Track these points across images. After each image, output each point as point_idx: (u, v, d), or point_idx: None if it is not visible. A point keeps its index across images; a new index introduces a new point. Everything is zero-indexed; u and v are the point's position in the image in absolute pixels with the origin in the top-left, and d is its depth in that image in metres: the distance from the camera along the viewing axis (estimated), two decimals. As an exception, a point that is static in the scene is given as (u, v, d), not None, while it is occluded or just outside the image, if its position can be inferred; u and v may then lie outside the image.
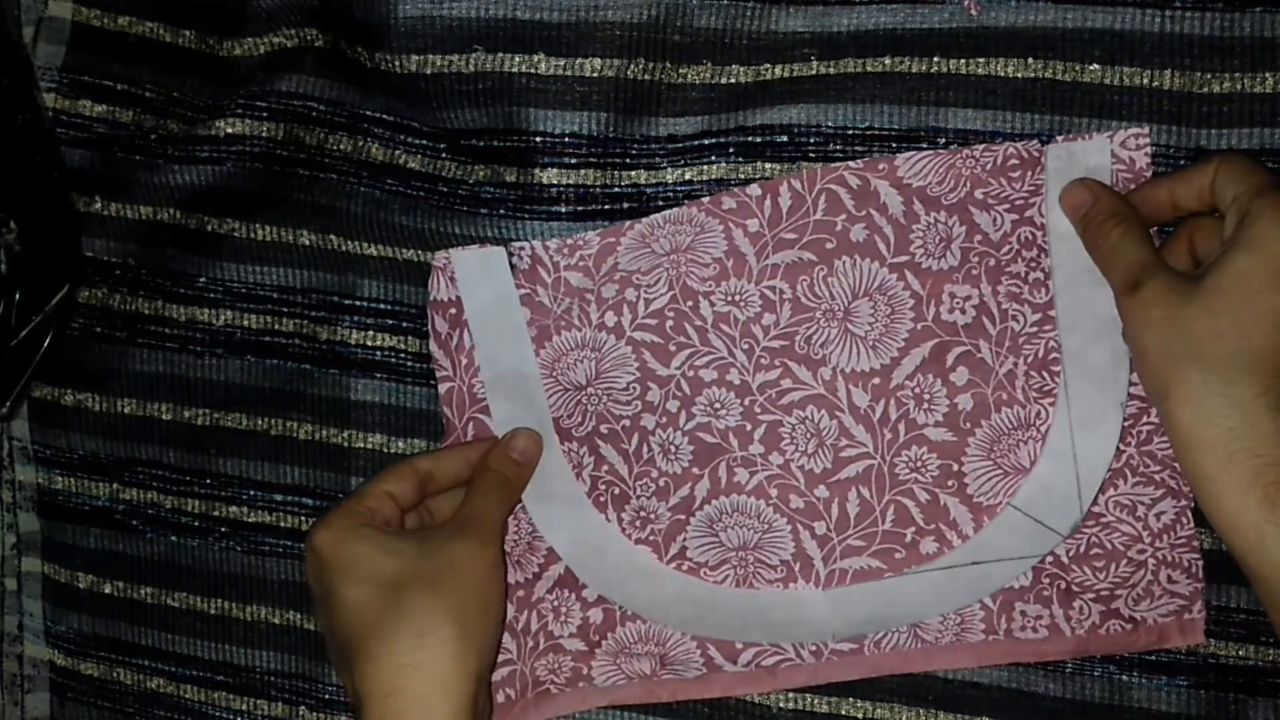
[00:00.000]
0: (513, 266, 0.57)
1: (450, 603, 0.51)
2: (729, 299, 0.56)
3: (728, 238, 0.55)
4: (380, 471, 0.56)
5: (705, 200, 0.55)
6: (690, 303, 0.56)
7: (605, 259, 0.56)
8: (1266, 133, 0.52)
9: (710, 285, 0.56)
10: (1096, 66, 0.52)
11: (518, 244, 0.57)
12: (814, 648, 0.56)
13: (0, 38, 0.60)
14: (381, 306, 0.60)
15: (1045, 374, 0.54)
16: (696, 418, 0.56)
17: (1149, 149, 0.52)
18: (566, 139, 0.56)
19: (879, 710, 0.57)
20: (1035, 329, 0.54)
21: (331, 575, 0.52)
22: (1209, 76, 0.52)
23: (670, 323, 0.56)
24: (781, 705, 0.58)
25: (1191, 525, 0.54)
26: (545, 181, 0.56)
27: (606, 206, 0.56)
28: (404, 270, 0.59)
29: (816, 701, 0.57)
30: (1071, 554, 0.54)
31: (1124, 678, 0.55)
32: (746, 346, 0.56)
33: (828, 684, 0.57)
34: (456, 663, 0.50)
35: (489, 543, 0.53)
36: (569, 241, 0.56)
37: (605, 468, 0.57)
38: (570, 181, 0.56)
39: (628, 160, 0.56)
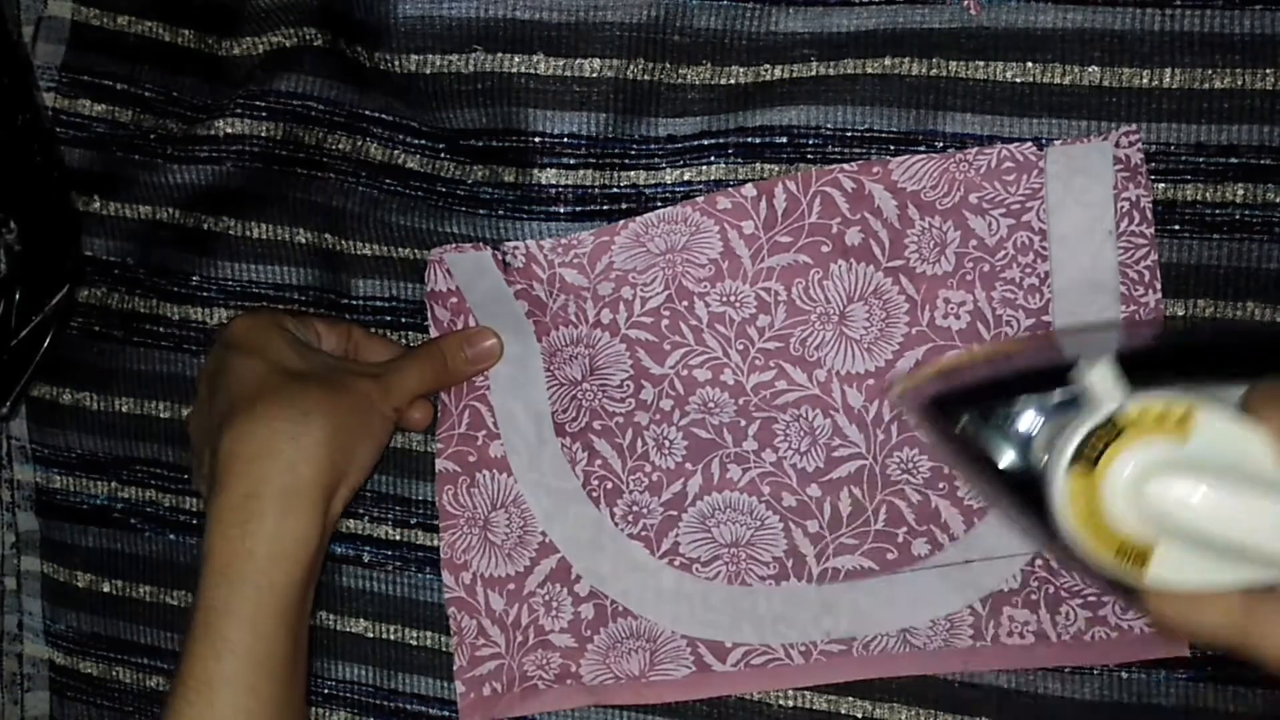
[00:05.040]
0: (507, 265, 0.57)
1: (339, 415, 0.52)
2: (724, 300, 0.56)
3: (723, 239, 0.55)
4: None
5: (700, 200, 0.55)
6: (685, 303, 0.56)
7: (600, 258, 0.56)
8: (1267, 130, 0.52)
9: (706, 286, 0.56)
10: (1096, 68, 0.52)
11: (512, 243, 0.57)
12: (803, 648, 0.57)
13: (0, 37, 0.60)
14: (378, 303, 0.60)
15: (1038, 379, 0.54)
16: (690, 415, 0.57)
17: (1141, 146, 0.52)
18: (565, 139, 0.56)
19: (879, 710, 0.57)
20: (1029, 334, 0.54)
21: (236, 351, 0.53)
22: (1210, 73, 0.52)
23: (665, 322, 0.56)
24: (780, 703, 0.58)
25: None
26: (544, 182, 0.57)
27: (605, 207, 0.57)
28: (401, 268, 0.60)
29: (815, 700, 0.57)
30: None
31: (1122, 674, 0.55)
32: (741, 347, 0.56)
33: (827, 683, 0.57)
34: (326, 459, 0.51)
35: (390, 400, 0.54)
36: (563, 241, 0.56)
37: (599, 462, 0.58)
38: (569, 182, 0.57)
39: (626, 161, 0.56)
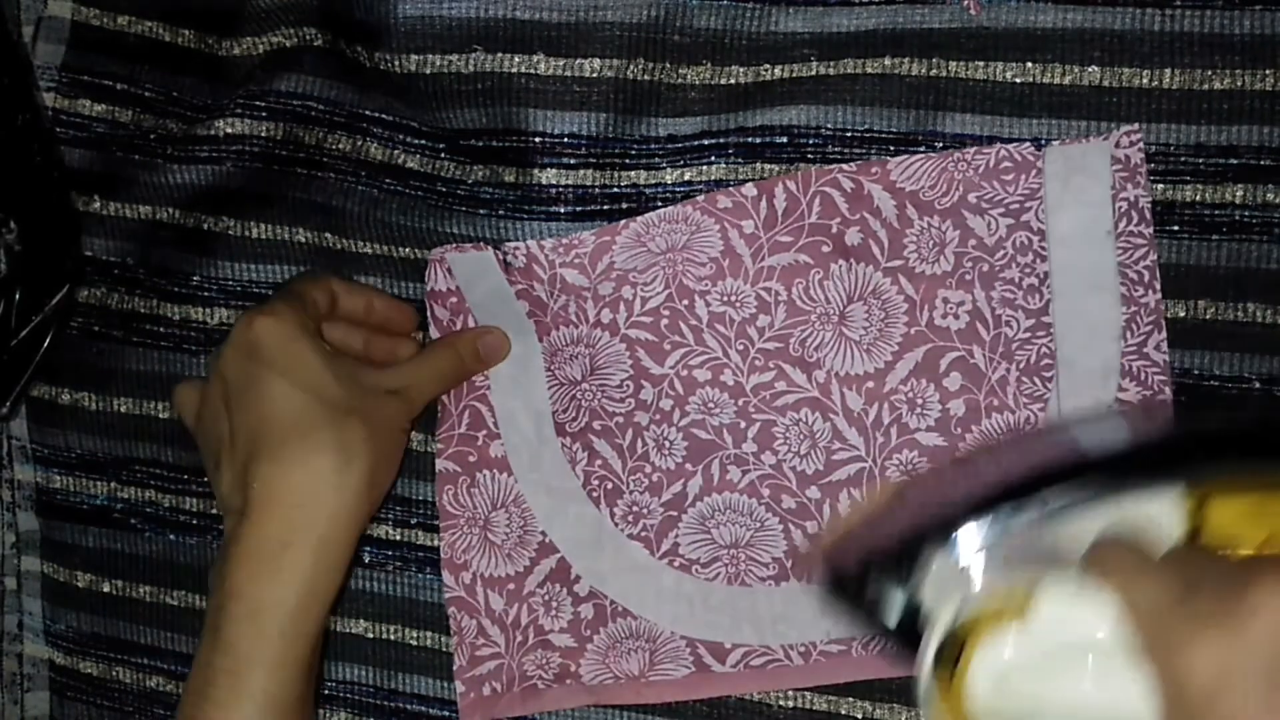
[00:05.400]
0: (508, 265, 0.57)
1: (377, 450, 0.51)
2: (725, 299, 0.56)
3: (724, 238, 0.55)
4: (297, 277, 0.57)
5: (700, 199, 0.55)
6: (686, 302, 0.56)
7: (600, 258, 0.56)
8: (1267, 130, 0.52)
9: (706, 285, 0.56)
10: (1095, 68, 0.52)
11: (512, 244, 0.57)
12: (803, 649, 0.57)
13: (0, 37, 0.60)
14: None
15: (1037, 379, 0.54)
16: (690, 415, 0.57)
17: (1142, 146, 0.52)
18: (565, 139, 0.56)
19: (879, 710, 0.57)
20: (1028, 335, 0.54)
21: (267, 368, 0.51)
22: (1209, 74, 0.52)
23: (665, 322, 0.56)
24: (780, 704, 0.58)
25: (1179, 535, 0.54)
26: (544, 182, 0.57)
27: (605, 207, 0.57)
28: (401, 267, 0.60)
29: (815, 700, 0.57)
30: (1060, 561, 0.54)
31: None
32: (741, 348, 0.56)
33: (827, 684, 0.57)
34: (364, 502, 0.51)
35: (412, 414, 0.55)
36: (564, 241, 0.56)
37: (599, 462, 0.58)
38: (569, 182, 0.57)
39: (627, 161, 0.56)
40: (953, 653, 0.37)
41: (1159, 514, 0.38)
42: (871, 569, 0.40)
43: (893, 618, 0.38)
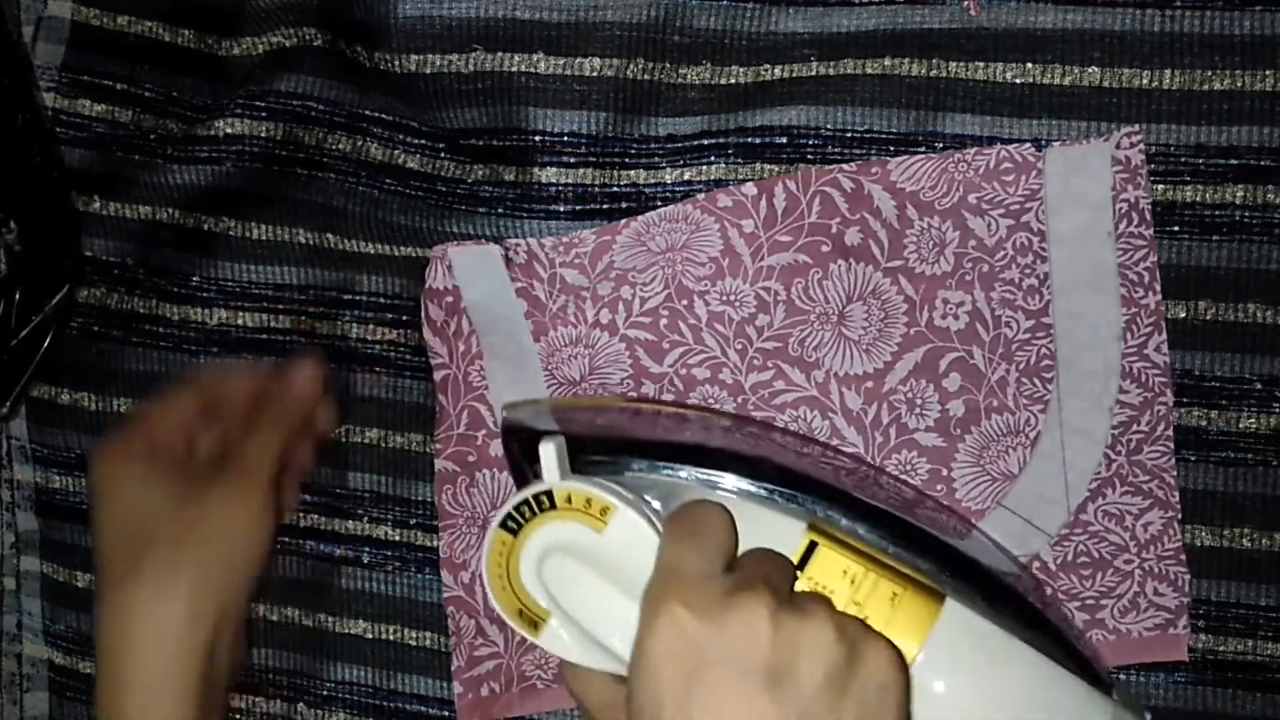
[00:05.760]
0: (509, 261, 0.57)
1: (193, 560, 0.51)
2: (724, 299, 0.56)
3: (723, 237, 0.55)
4: (171, 386, 0.57)
5: (700, 198, 0.55)
6: (685, 301, 0.56)
7: (601, 257, 0.56)
8: (1267, 131, 0.52)
9: (706, 284, 0.56)
10: (1095, 69, 0.52)
11: (513, 240, 0.57)
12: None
13: (0, 37, 0.60)
14: (380, 300, 0.60)
15: (1037, 380, 0.54)
16: (690, 414, 0.57)
17: (1142, 147, 0.52)
18: (565, 138, 0.56)
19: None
20: (1028, 335, 0.54)
21: (97, 501, 0.53)
22: (1209, 74, 0.52)
23: (664, 321, 0.56)
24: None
25: (1179, 537, 0.54)
26: (544, 180, 0.57)
27: (605, 206, 0.57)
28: (402, 266, 0.60)
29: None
30: (1059, 562, 0.54)
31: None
32: (740, 347, 0.56)
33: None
34: (187, 624, 0.50)
35: (253, 491, 0.53)
36: (564, 239, 0.56)
37: None
38: (569, 181, 0.57)
39: (626, 160, 0.56)
40: (518, 520, 0.44)
41: (784, 534, 0.44)
42: (524, 433, 0.48)
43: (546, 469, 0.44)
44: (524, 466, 0.46)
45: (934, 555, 0.44)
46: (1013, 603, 0.45)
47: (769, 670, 0.37)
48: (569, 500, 0.43)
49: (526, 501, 0.44)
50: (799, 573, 0.43)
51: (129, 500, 0.52)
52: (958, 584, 0.44)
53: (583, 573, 0.43)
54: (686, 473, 0.45)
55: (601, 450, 0.46)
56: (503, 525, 0.44)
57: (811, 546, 0.43)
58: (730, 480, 0.45)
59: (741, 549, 0.43)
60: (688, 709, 0.37)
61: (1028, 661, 0.43)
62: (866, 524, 0.44)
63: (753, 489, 0.45)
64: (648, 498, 0.45)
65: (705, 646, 0.37)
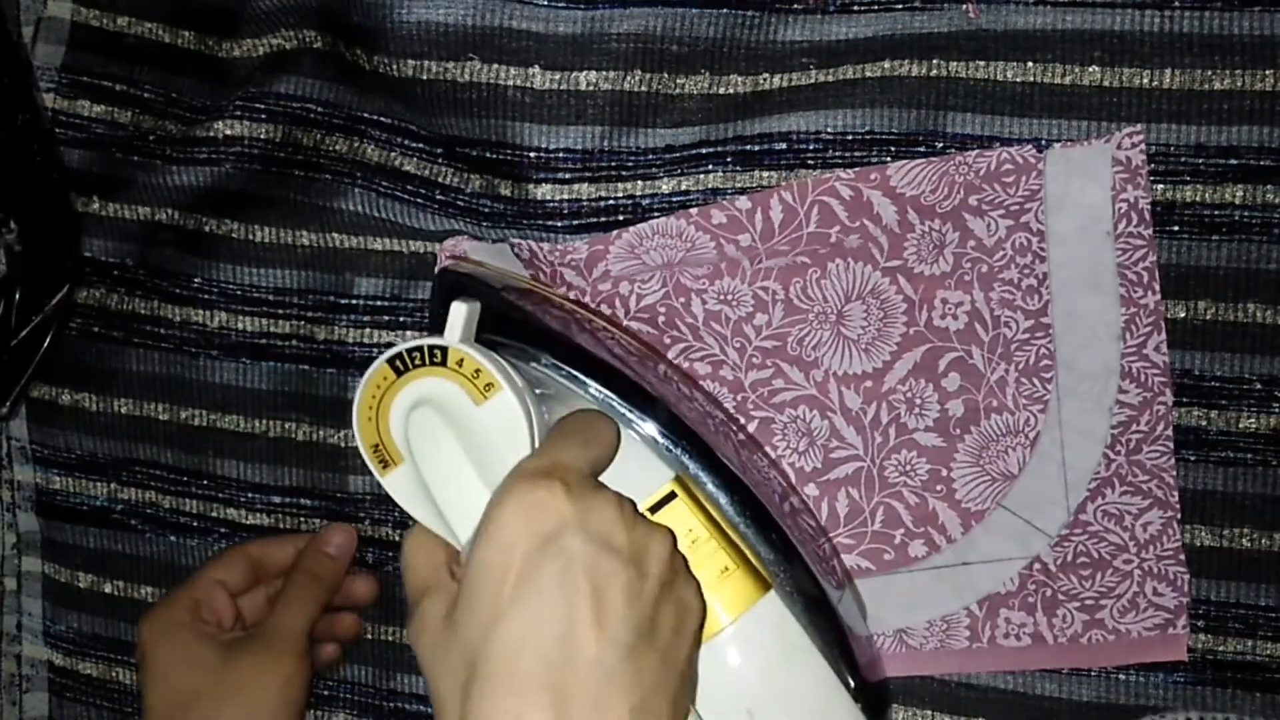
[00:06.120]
0: (515, 256, 0.57)
1: (230, 717, 0.53)
2: (721, 298, 0.56)
3: (720, 253, 0.55)
4: (215, 556, 0.58)
5: (694, 212, 0.55)
6: (682, 299, 0.56)
7: (595, 265, 0.56)
8: (1267, 131, 0.52)
9: (703, 284, 0.56)
10: (1096, 69, 0.52)
11: (515, 239, 0.57)
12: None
13: (0, 37, 0.60)
14: (379, 304, 0.60)
15: (1036, 380, 0.54)
16: (690, 411, 0.57)
17: (1143, 147, 0.52)
18: (560, 154, 0.56)
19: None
20: (1027, 335, 0.54)
21: (143, 671, 0.55)
22: (1209, 74, 0.52)
23: (662, 318, 0.56)
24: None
25: (1178, 538, 0.54)
26: (539, 197, 0.56)
27: (601, 219, 0.56)
28: (402, 265, 0.60)
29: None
30: (1058, 562, 0.54)
31: (1120, 676, 0.55)
32: (739, 345, 0.56)
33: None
34: None
35: (285, 652, 0.55)
36: (559, 247, 0.56)
37: None
38: (565, 197, 0.56)
39: (623, 173, 0.56)
40: (406, 362, 0.45)
41: (648, 475, 0.46)
42: (453, 290, 0.49)
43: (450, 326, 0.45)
44: (441, 319, 0.46)
45: (778, 550, 0.46)
46: (829, 622, 0.47)
47: (626, 552, 0.40)
48: (460, 364, 0.44)
49: (421, 349, 0.44)
50: (649, 514, 0.45)
51: (173, 665, 0.54)
52: (787, 583, 0.46)
53: (446, 437, 0.43)
54: (588, 387, 0.47)
55: (519, 334, 0.47)
56: (390, 362, 0.45)
57: (670, 496, 0.45)
58: (621, 407, 0.46)
59: (611, 472, 0.45)
60: (538, 574, 0.38)
61: (820, 675, 0.46)
62: (729, 496, 0.46)
63: (637, 421, 0.46)
64: (538, 392, 0.47)
65: (567, 518, 0.39)
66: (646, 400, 0.46)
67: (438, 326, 0.46)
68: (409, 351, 0.44)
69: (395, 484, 0.45)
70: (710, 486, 0.46)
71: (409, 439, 0.44)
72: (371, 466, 0.45)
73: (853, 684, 0.46)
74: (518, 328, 0.48)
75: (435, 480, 0.44)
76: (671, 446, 0.46)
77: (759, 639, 0.45)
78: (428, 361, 0.44)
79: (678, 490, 0.45)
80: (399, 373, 0.45)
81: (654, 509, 0.45)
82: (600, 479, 0.44)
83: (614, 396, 0.46)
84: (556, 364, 0.47)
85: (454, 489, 0.43)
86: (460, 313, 0.45)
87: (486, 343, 0.46)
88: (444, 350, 0.44)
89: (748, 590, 0.45)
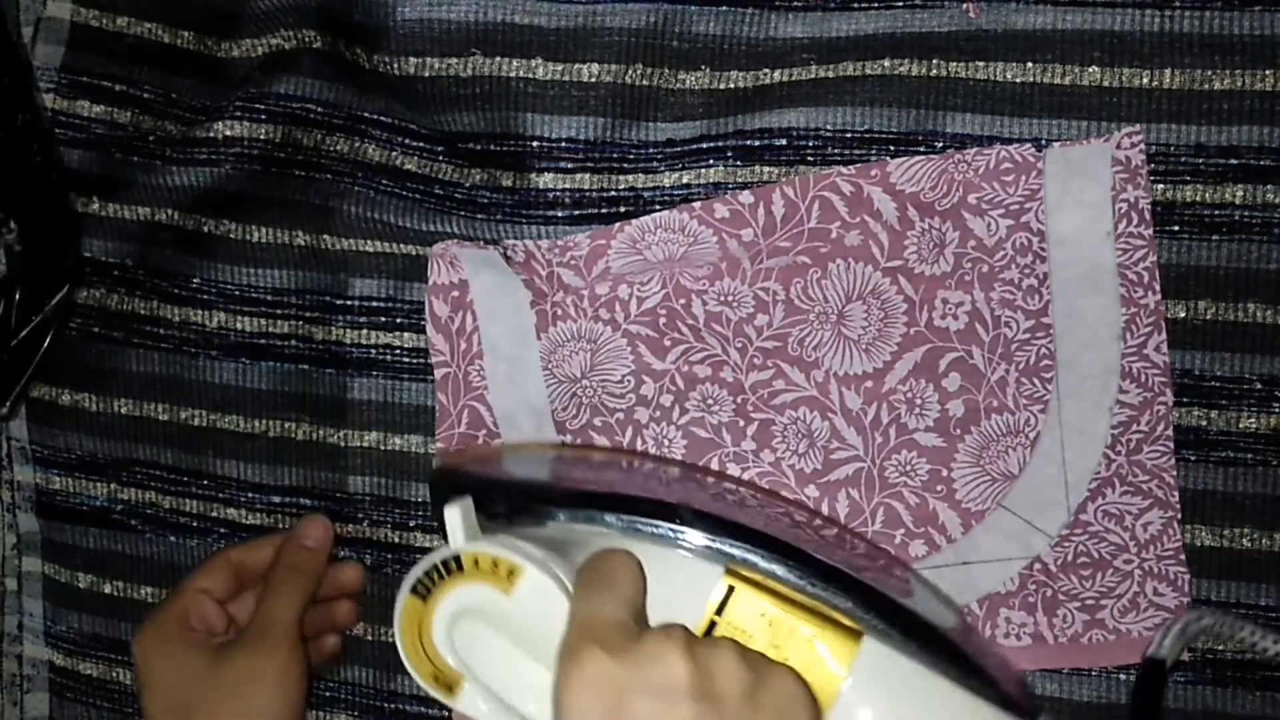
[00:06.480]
0: (508, 259, 0.57)
1: (228, 715, 0.53)
2: (721, 299, 0.56)
3: (722, 247, 0.55)
4: (197, 566, 0.58)
5: (697, 206, 0.55)
6: (683, 301, 0.56)
7: (596, 261, 0.56)
8: (1267, 130, 0.52)
9: (704, 285, 0.56)
10: (1096, 69, 0.52)
11: (511, 241, 0.57)
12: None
13: (0, 37, 0.60)
14: (375, 304, 0.60)
15: (1037, 380, 0.54)
16: (690, 413, 0.57)
17: (1143, 147, 0.52)
18: (563, 144, 0.56)
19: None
20: (1028, 335, 0.54)
21: (139, 686, 0.55)
22: (1209, 74, 0.52)
23: (663, 319, 0.56)
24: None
25: (1179, 537, 0.54)
26: (541, 186, 0.56)
27: (603, 210, 0.56)
28: (399, 266, 0.60)
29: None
30: (1059, 562, 0.54)
31: (1120, 675, 0.55)
32: (740, 345, 0.56)
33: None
34: None
35: (278, 647, 0.54)
36: (559, 243, 0.56)
37: None
38: (566, 186, 0.56)
39: (625, 165, 0.56)
40: (424, 587, 0.44)
41: (702, 579, 0.44)
42: (448, 490, 0.48)
43: (451, 533, 0.44)
44: (443, 524, 0.46)
45: (853, 594, 0.44)
46: (930, 637, 0.45)
47: (690, 691, 0.38)
48: (476, 563, 0.43)
49: (435, 567, 0.44)
50: (717, 617, 0.44)
51: (168, 677, 0.54)
52: (875, 621, 0.44)
53: (492, 637, 0.43)
54: (609, 519, 0.45)
55: (519, 508, 0.47)
56: (413, 590, 0.44)
57: (729, 591, 0.44)
58: (645, 528, 0.45)
59: (662, 593, 0.44)
60: None
61: (946, 691, 0.44)
62: (783, 565, 0.44)
63: (666, 534, 0.45)
64: (561, 555, 0.45)
65: (624, 682, 0.38)
66: (666, 510, 0.45)
67: (441, 530, 0.45)
68: (425, 574, 0.44)
69: (467, 704, 0.44)
70: (762, 564, 0.44)
71: (461, 657, 0.44)
72: (438, 696, 0.45)
73: (987, 689, 0.45)
74: (516, 502, 0.47)
75: (500, 685, 0.43)
76: (709, 543, 0.44)
77: (875, 689, 0.43)
78: (446, 574, 0.44)
79: (733, 582, 0.44)
80: (424, 597, 0.44)
81: (720, 610, 0.43)
82: (647, 610, 0.43)
83: (636, 519, 0.45)
84: (569, 513, 0.46)
85: (520, 688, 0.43)
86: (456, 516, 0.44)
87: (498, 522, 0.46)
88: (457, 558, 0.44)
89: (843, 647, 0.43)
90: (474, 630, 0.43)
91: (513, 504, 0.47)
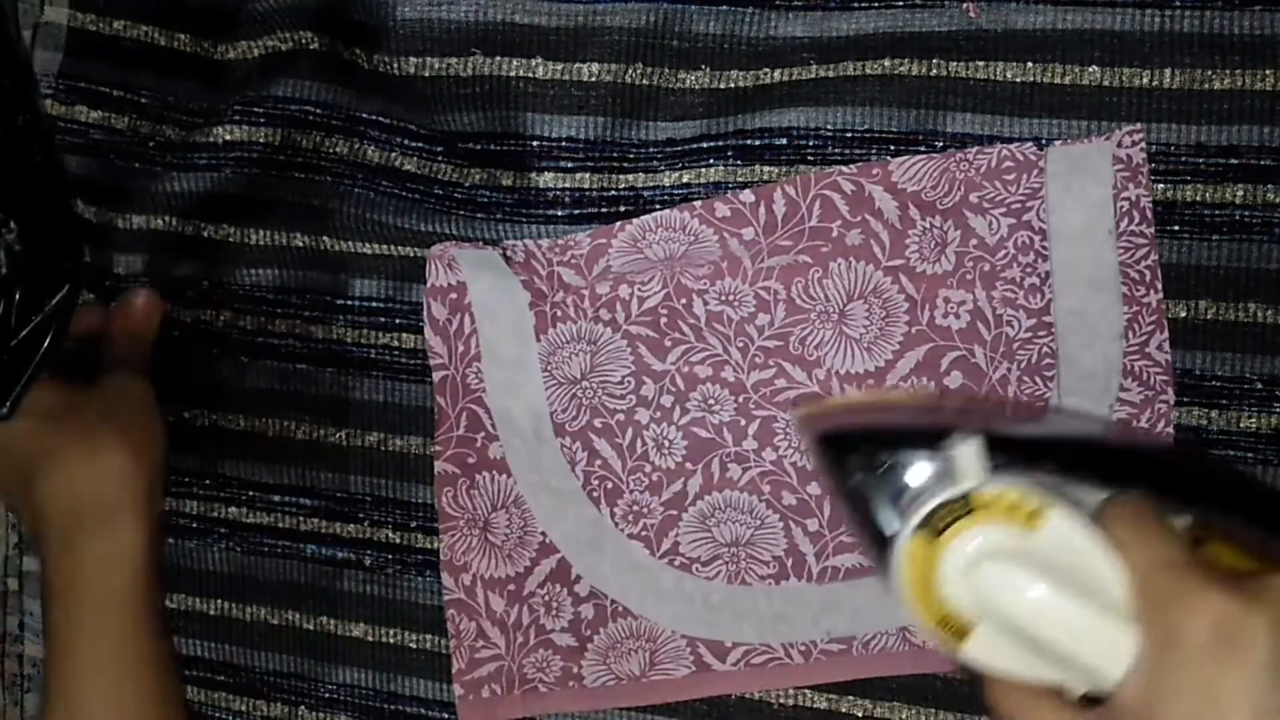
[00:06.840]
0: (508, 259, 0.57)
1: (114, 426, 0.53)
2: (723, 298, 0.56)
3: (723, 246, 0.55)
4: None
5: (698, 206, 0.55)
6: (684, 300, 0.56)
7: (596, 260, 0.56)
8: (1267, 130, 0.52)
9: (705, 284, 0.56)
10: (1096, 68, 0.52)
11: (510, 241, 0.57)
12: (803, 647, 0.57)
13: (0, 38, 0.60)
14: (375, 304, 0.60)
15: (1038, 379, 0.54)
16: (690, 413, 0.57)
17: (1144, 146, 0.52)
18: (563, 143, 0.56)
19: (879, 709, 0.57)
20: (1029, 334, 0.54)
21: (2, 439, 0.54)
22: (1209, 74, 0.52)
23: (664, 319, 0.56)
24: (780, 702, 0.58)
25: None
26: (541, 185, 0.57)
27: (603, 209, 0.57)
28: (399, 267, 0.60)
29: (815, 699, 0.58)
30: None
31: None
32: (741, 345, 0.56)
33: (827, 682, 0.57)
34: (132, 471, 0.53)
35: (135, 376, 0.56)
36: (560, 242, 0.57)
37: (599, 462, 0.58)
38: (566, 185, 0.57)
39: (625, 164, 0.56)
40: (939, 524, 0.40)
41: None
42: (892, 439, 0.43)
43: (916, 479, 0.41)
44: (838, 470, 0.42)
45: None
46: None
47: None
48: (992, 502, 0.40)
49: (943, 505, 0.40)
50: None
51: (27, 440, 0.53)
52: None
53: (1023, 578, 0.40)
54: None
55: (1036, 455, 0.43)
56: (922, 529, 0.41)
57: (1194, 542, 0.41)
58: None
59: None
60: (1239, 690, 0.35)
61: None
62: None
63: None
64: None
65: (1240, 622, 0.36)
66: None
67: (839, 487, 0.42)
68: (932, 513, 0.40)
69: (979, 649, 0.41)
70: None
71: (983, 601, 0.40)
72: (944, 644, 0.41)
73: None
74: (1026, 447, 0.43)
75: (1037, 625, 0.40)
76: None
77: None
78: (960, 516, 0.40)
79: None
80: (934, 538, 0.41)
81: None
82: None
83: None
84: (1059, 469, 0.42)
85: (1061, 627, 0.40)
86: (970, 452, 0.41)
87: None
88: (964, 496, 0.40)
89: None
90: (1001, 572, 0.40)
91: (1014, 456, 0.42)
